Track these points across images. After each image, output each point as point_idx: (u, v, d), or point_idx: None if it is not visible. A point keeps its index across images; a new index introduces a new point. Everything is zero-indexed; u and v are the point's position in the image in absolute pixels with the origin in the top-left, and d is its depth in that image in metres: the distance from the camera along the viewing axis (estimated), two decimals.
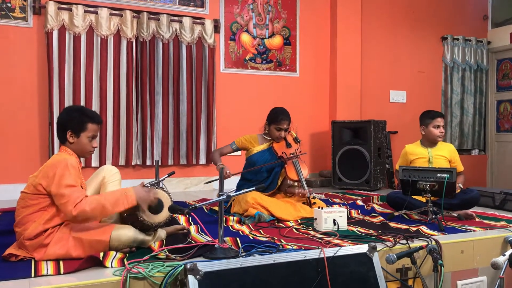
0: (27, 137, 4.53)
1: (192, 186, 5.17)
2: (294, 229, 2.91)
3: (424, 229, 2.85)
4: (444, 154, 3.61)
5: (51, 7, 4.47)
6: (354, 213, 3.47)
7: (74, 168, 2.22)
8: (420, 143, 3.72)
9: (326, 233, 2.75)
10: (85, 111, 2.41)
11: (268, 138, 3.65)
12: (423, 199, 3.25)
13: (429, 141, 3.65)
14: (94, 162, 4.66)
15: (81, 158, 2.43)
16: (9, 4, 4.44)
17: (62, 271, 2.01)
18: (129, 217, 2.35)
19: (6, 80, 4.47)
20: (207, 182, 3.46)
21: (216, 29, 5.26)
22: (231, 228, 2.92)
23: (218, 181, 2.43)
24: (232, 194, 2.36)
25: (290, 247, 2.38)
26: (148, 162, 4.90)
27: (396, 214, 3.30)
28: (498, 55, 6.84)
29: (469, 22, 6.78)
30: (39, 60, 4.57)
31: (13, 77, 4.49)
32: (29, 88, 4.55)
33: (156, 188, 2.55)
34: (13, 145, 4.48)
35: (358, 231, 2.85)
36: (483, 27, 6.90)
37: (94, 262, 2.08)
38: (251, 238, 2.63)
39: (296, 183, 3.64)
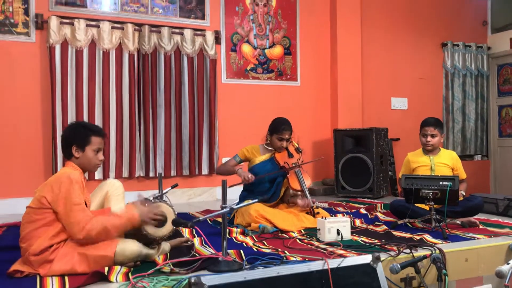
0: (30, 151, 4.55)
1: (196, 197, 5.18)
2: (297, 240, 2.91)
3: (427, 237, 2.85)
4: (446, 162, 3.60)
5: (53, 22, 4.52)
6: (357, 222, 3.48)
7: (78, 183, 2.24)
8: (421, 151, 3.69)
9: (330, 243, 2.75)
10: (88, 125, 2.47)
11: (270, 148, 3.65)
12: (427, 207, 3.25)
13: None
14: (98, 175, 4.68)
15: (86, 173, 2.44)
16: (12, 20, 4.49)
17: (67, 286, 2.02)
18: (133, 230, 2.36)
19: (9, 94, 4.50)
20: (231, 186, 3.48)
21: (217, 40, 5.30)
22: (234, 240, 2.92)
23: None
24: (235, 206, 2.37)
25: (294, 259, 2.39)
26: (151, 174, 4.92)
27: (399, 222, 3.30)
28: (498, 60, 6.85)
29: (469, 28, 6.81)
30: (42, 75, 4.61)
31: (17, 91, 4.52)
32: (32, 102, 4.58)
33: (160, 201, 2.56)
34: (16, 159, 4.50)
35: (361, 240, 2.85)
36: (483, 32, 6.93)
37: (99, 277, 2.09)
38: (255, 250, 2.64)
39: (299, 193, 3.64)
